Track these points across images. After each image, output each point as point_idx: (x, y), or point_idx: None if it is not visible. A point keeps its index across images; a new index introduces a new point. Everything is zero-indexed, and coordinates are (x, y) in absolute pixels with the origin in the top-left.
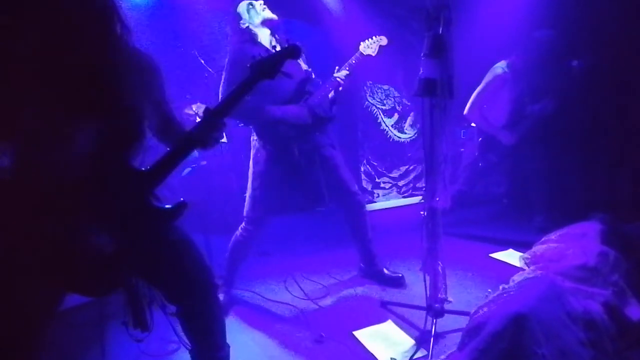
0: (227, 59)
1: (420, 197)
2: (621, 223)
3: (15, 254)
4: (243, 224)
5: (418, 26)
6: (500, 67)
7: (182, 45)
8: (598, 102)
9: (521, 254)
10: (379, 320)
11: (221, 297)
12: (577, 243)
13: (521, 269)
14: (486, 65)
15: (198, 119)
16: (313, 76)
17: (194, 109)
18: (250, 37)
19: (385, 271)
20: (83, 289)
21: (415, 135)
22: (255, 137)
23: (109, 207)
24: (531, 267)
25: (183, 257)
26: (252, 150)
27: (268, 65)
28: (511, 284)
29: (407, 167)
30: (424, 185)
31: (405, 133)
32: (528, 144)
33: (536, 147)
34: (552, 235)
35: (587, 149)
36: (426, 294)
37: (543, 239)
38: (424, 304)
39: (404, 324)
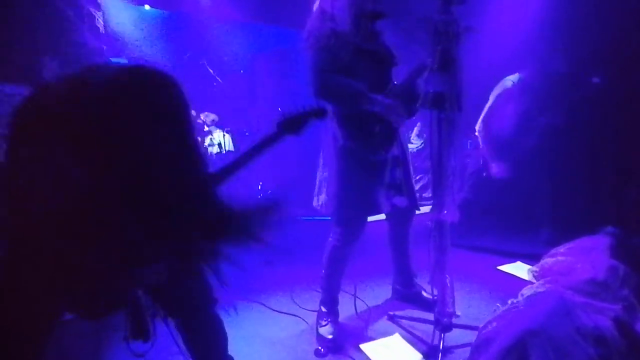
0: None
1: (428, 207)
2: (630, 237)
3: (22, 269)
4: (333, 228)
5: (424, 37)
6: (510, 80)
7: (191, 55)
8: (606, 116)
9: (529, 266)
10: (387, 333)
11: (327, 329)
12: (586, 257)
13: (529, 282)
14: (494, 77)
15: (206, 128)
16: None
17: (202, 117)
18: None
19: (424, 294)
20: (84, 310)
21: (422, 145)
22: (337, 132)
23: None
24: (540, 281)
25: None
26: (329, 146)
27: (294, 123)
28: (520, 298)
29: (414, 177)
30: (431, 195)
31: (412, 143)
32: (533, 156)
33: (542, 159)
34: (561, 249)
35: (593, 162)
36: (434, 307)
37: (551, 252)
38: (432, 317)
39: (412, 337)
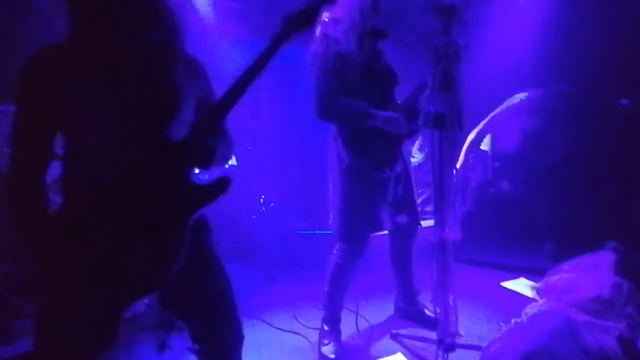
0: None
1: (429, 221)
2: (634, 253)
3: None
4: (337, 246)
5: (426, 52)
6: (519, 97)
7: None
8: (609, 130)
9: (533, 283)
10: (389, 352)
11: (330, 348)
12: (590, 274)
13: (533, 299)
14: (496, 90)
15: None
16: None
17: None
18: None
19: (427, 312)
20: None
21: (424, 159)
22: (341, 152)
23: (148, 188)
24: (543, 298)
25: (220, 291)
26: (334, 166)
27: (302, 16)
28: (523, 317)
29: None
30: (432, 209)
31: (414, 157)
32: (546, 176)
33: (545, 176)
34: (564, 265)
35: (597, 176)
36: (437, 325)
37: (555, 269)
38: (435, 336)
39: (414, 357)
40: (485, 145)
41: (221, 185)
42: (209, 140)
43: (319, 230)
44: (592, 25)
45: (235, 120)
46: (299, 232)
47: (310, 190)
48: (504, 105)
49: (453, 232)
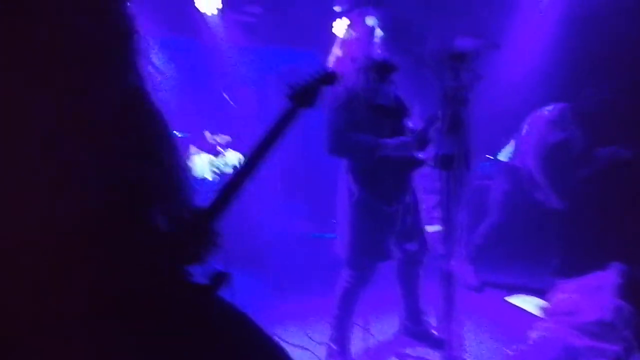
0: None
1: (435, 226)
2: (637, 271)
3: None
4: (345, 271)
5: (434, 62)
6: (547, 110)
7: (207, 81)
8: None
9: (537, 300)
10: None
11: None
12: (593, 296)
13: (537, 317)
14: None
15: (219, 148)
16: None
17: (217, 139)
18: None
19: (433, 331)
20: None
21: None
22: (352, 186)
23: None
24: (546, 319)
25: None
26: (344, 198)
27: (306, 94)
28: (527, 342)
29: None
30: (438, 214)
31: None
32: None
33: (554, 191)
34: (568, 285)
35: (605, 190)
36: (442, 345)
37: (559, 287)
38: (440, 356)
39: None
40: (503, 156)
41: (221, 281)
42: (212, 226)
43: (327, 233)
44: (608, 42)
45: (246, 127)
46: (312, 235)
47: (318, 192)
48: (531, 120)
49: (458, 265)
